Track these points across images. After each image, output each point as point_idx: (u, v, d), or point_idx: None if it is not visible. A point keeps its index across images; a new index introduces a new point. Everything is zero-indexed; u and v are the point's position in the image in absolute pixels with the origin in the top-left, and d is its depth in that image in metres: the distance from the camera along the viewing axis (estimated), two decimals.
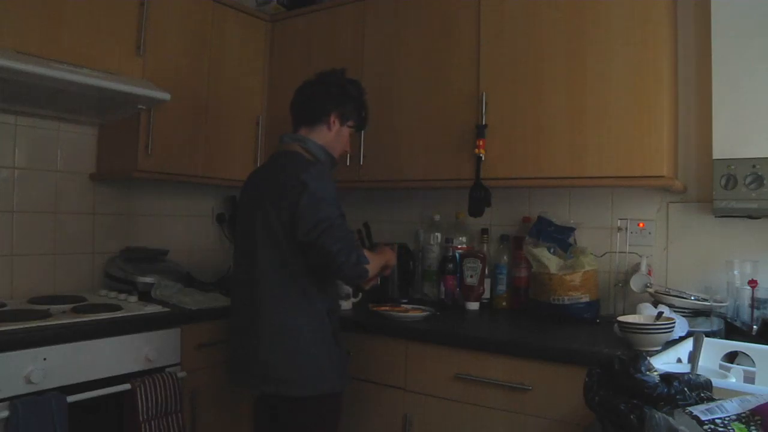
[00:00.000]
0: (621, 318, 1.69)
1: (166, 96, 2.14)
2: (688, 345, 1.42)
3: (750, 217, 1.87)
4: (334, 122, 1.85)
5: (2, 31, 1.85)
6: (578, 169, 1.96)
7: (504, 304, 2.34)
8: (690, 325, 1.75)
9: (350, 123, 1.90)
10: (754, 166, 1.79)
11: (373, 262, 1.72)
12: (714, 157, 1.86)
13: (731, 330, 1.79)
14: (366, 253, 1.70)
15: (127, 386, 1.82)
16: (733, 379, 1.25)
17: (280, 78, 2.73)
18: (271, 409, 1.82)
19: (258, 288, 1.73)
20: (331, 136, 1.86)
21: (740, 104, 1.82)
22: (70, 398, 1.67)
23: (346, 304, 2.22)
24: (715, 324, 1.78)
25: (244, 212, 1.85)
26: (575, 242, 2.21)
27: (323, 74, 1.91)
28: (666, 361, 1.37)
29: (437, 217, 2.54)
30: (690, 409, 0.88)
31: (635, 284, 2.02)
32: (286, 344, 1.69)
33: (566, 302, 2.03)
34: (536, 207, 2.36)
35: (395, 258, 1.94)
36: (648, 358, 0.98)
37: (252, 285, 1.74)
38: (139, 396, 1.83)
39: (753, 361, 1.47)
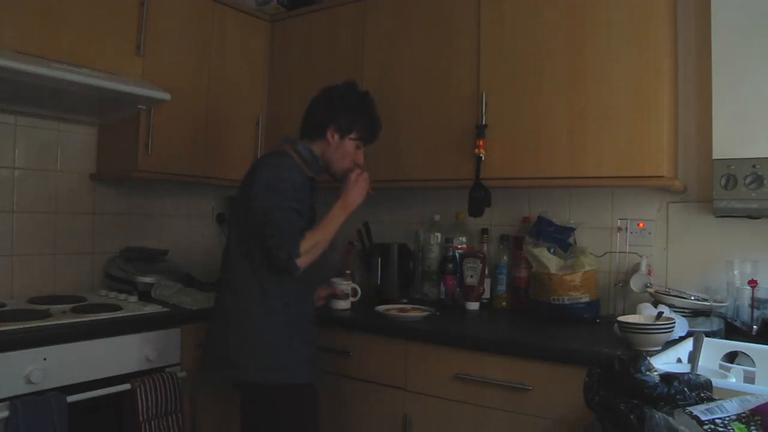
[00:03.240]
0: (621, 318, 1.69)
1: (166, 96, 2.14)
2: (688, 345, 1.42)
3: (750, 217, 1.87)
4: (332, 136, 1.82)
5: (2, 31, 1.85)
6: (578, 169, 1.96)
7: (504, 304, 2.34)
8: (690, 325, 1.75)
9: (352, 135, 1.84)
10: (754, 166, 1.78)
11: (319, 241, 1.69)
12: (714, 157, 1.86)
13: (731, 330, 1.78)
14: (313, 233, 1.68)
15: (127, 386, 1.82)
16: (733, 379, 1.25)
17: (280, 78, 2.73)
18: (242, 398, 1.82)
19: (227, 278, 1.80)
20: (330, 149, 1.83)
21: (740, 104, 1.82)
22: (70, 398, 1.67)
23: (344, 304, 2.21)
24: (715, 324, 1.78)
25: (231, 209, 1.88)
26: (575, 242, 2.21)
27: (329, 87, 1.88)
28: (666, 361, 1.37)
29: (437, 217, 2.54)
30: (690, 409, 0.88)
31: (635, 284, 2.02)
32: (243, 331, 1.72)
33: (566, 302, 2.03)
34: (536, 207, 2.36)
35: (360, 189, 1.79)
36: (648, 358, 0.98)
37: (223, 275, 1.83)
38: (139, 396, 1.83)
39: (753, 361, 1.47)
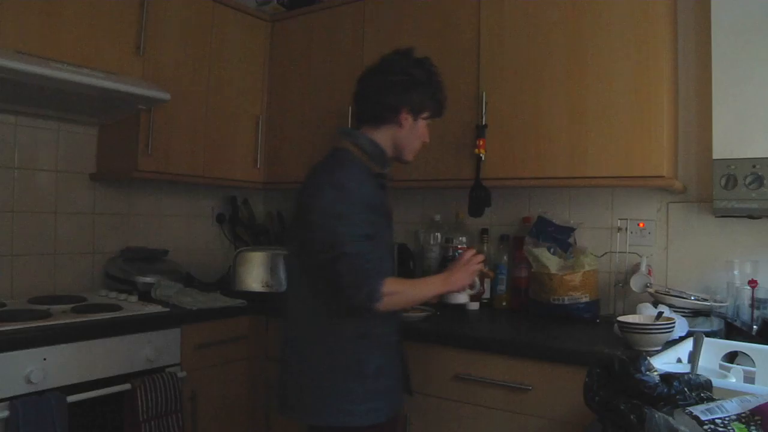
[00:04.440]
0: (621, 318, 1.69)
1: (166, 96, 2.14)
2: (688, 345, 1.42)
3: (750, 217, 1.87)
4: (405, 119, 1.58)
5: (2, 31, 1.85)
6: (578, 169, 1.96)
7: (504, 304, 2.34)
8: (690, 325, 1.75)
9: (425, 114, 1.62)
10: (754, 166, 1.78)
11: (405, 294, 1.52)
12: (714, 157, 1.86)
13: (731, 330, 1.78)
14: (403, 283, 1.54)
15: (127, 386, 1.82)
16: (733, 379, 1.25)
17: (280, 78, 2.73)
18: None
19: (288, 304, 1.60)
20: (403, 133, 1.60)
21: (740, 104, 1.82)
22: (70, 398, 1.67)
23: (462, 297, 1.99)
24: (715, 324, 1.78)
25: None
26: (575, 242, 2.21)
27: (386, 60, 1.62)
28: (666, 361, 1.37)
29: (437, 217, 2.54)
30: (690, 409, 0.88)
31: (635, 284, 2.02)
32: (302, 368, 1.53)
33: (566, 302, 2.03)
34: (536, 207, 2.36)
35: (468, 272, 1.62)
36: (648, 358, 0.98)
37: (287, 300, 1.62)
38: (139, 396, 1.83)
39: (753, 361, 1.46)
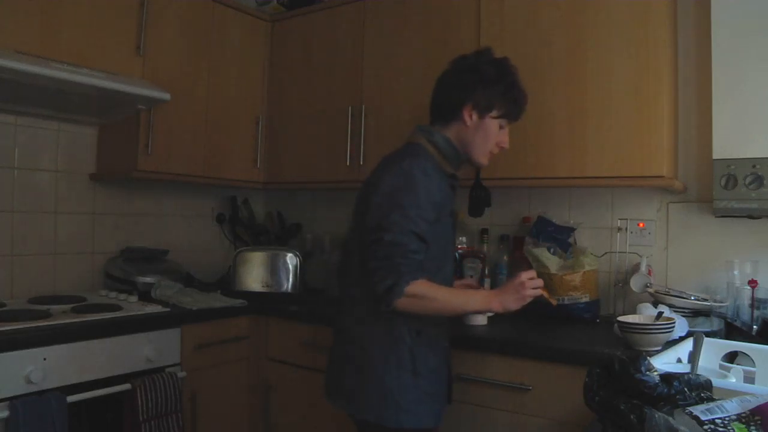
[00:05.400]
0: (621, 318, 1.69)
1: (166, 96, 2.14)
2: (688, 345, 1.42)
3: (750, 217, 1.87)
4: (470, 116, 1.54)
5: (2, 31, 1.85)
6: (578, 169, 1.96)
7: None
8: (690, 325, 1.75)
9: (494, 113, 1.55)
10: (754, 166, 1.78)
11: (434, 301, 1.41)
12: (714, 157, 1.86)
13: (731, 330, 1.78)
14: (438, 290, 1.42)
15: (127, 386, 1.82)
16: (733, 379, 1.24)
17: (280, 78, 2.73)
18: None
19: (342, 291, 1.60)
20: (468, 131, 1.55)
21: (740, 104, 1.82)
22: (70, 398, 1.67)
23: (481, 319, 1.95)
24: (715, 324, 1.78)
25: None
26: (575, 242, 2.21)
27: (458, 59, 1.60)
28: (666, 361, 1.37)
29: None
30: (690, 409, 0.88)
31: (635, 284, 2.02)
32: (354, 359, 1.51)
33: (566, 302, 2.03)
34: (536, 207, 2.36)
35: (521, 297, 1.48)
36: (648, 358, 0.98)
37: (340, 287, 1.61)
38: (139, 396, 1.83)
39: (753, 361, 1.46)
